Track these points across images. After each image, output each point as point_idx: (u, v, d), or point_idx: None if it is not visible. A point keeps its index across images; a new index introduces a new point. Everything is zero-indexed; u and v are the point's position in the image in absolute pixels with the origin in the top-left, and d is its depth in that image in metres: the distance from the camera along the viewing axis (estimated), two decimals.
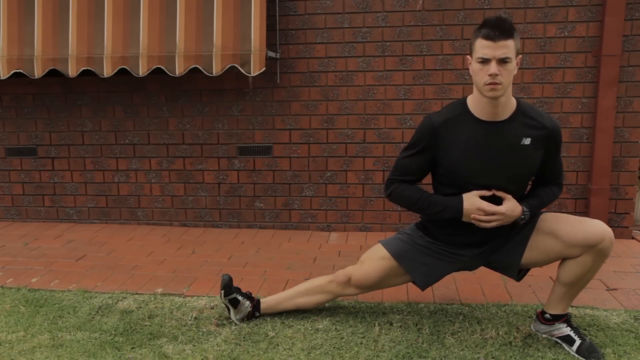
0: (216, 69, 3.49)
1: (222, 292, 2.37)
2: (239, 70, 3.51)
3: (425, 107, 3.69)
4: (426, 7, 3.60)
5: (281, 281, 2.92)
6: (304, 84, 3.77)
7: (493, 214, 2.03)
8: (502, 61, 1.91)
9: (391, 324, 2.39)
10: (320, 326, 2.38)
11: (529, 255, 2.17)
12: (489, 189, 2.07)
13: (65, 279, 3.00)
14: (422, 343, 2.22)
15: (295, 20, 3.71)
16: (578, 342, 2.12)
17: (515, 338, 2.23)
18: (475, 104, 2.05)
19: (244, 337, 2.29)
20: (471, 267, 2.34)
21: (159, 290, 2.82)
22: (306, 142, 3.83)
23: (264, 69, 3.49)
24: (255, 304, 2.43)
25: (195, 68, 3.52)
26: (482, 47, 1.91)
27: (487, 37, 1.90)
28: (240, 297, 2.41)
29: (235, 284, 2.85)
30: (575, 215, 3.71)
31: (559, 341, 2.19)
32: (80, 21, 3.60)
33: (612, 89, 3.48)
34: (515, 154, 2.03)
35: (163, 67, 3.53)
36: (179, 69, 3.51)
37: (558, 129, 2.08)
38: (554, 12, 3.52)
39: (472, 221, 2.07)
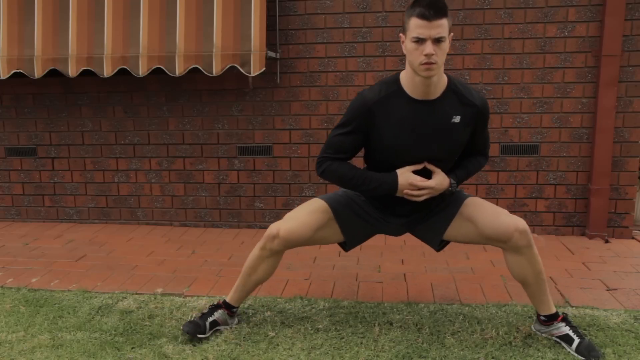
0: (216, 69, 3.49)
1: (200, 337, 2.27)
2: (239, 70, 3.51)
3: None
4: None
5: (281, 281, 2.92)
6: (304, 84, 3.77)
7: (424, 188, 2.09)
8: (437, 41, 1.89)
9: (391, 324, 2.38)
10: (320, 326, 2.38)
11: (450, 233, 2.24)
12: (420, 162, 2.12)
13: (65, 279, 3.00)
14: (422, 343, 2.22)
15: (295, 20, 3.71)
16: (577, 341, 2.12)
17: (515, 338, 2.23)
18: (408, 82, 2.05)
19: (244, 337, 2.29)
20: (396, 234, 2.38)
21: (159, 290, 2.82)
22: (306, 142, 3.83)
23: (264, 69, 3.49)
24: (224, 304, 2.36)
25: (195, 68, 3.52)
26: (417, 26, 1.89)
27: (422, 17, 1.87)
28: (211, 319, 2.31)
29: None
30: (575, 213, 3.71)
31: (559, 340, 2.19)
32: (80, 21, 3.60)
33: (612, 89, 3.48)
34: (446, 132, 2.07)
35: (163, 67, 3.53)
36: (179, 69, 3.51)
37: (486, 106, 2.12)
38: (554, 12, 3.52)
39: (405, 196, 2.11)
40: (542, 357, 2.10)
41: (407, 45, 1.96)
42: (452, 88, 2.07)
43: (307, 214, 2.22)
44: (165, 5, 3.53)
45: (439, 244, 2.32)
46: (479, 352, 2.14)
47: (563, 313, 2.23)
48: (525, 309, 2.52)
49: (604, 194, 3.59)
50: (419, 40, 1.90)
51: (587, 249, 3.41)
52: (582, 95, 3.58)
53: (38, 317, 2.51)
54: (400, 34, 2.03)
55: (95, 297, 2.72)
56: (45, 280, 2.98)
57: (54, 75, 3.74)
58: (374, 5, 3.64)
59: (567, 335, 2.16)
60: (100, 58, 3.58)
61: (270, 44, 3.69)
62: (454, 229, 2.22)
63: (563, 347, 2.16)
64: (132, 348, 2.22)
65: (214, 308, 2.35)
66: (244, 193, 3.95)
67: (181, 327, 2.28)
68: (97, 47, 3.59)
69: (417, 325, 2.37)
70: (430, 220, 2.26)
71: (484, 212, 2.14)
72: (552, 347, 2.16)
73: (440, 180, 2.11)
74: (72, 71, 3.61)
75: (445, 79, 2.07)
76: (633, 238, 3.65)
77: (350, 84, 3.73)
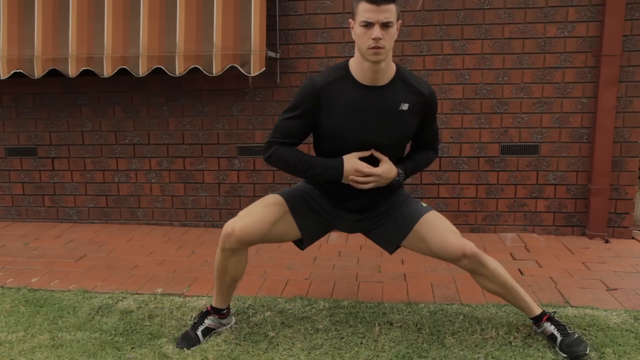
0: (216, 69, 3.49)
1: (197, 345, 2.25)
2: (239, 70, 3.51)
3: None
4: (426, 7, 3.60)
5: (281, 281, 2.92)
6: None
7: (370, 175, 2.08)
8: (385, 25, 1.93)
9: (391, 324, 2.38)
10: (320, 326, 2.38)
11: (405, 245, 2.25)
12: (367, 150, 2.11)
13: (65, 279, 3.00)
14: (422, 343, 2.22)
15: (295, 20, 3.71)
16: (559, 339, 2.13)
17: (515, 338, 2.23)
18: (357, 68, 2.08)
19: (244, 337, 2.29)
20: (350, 231, 2.36)
21: (159, 290, 2.83)
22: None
23: (264, 69, 3.49)
24: (212, 309, 2.33)
25: (195, 68, 3.52)
26: (366, 10, 1.92)
27: (370, 1, 1.91)
28: (202, 327, 2.29)
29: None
30: (575, 213, 3.70)
31: (550, 340, 2.20)
32: (80, 21, 3.60)
33: (612, 89, 3.48)
34: (393, 119, 2.09)
35: (163, 67, 3.53)
36: (179, 69, 3.51)
37: (434, 96, 2.15)
38: (554, 12, 3.52)
39: (350, 182, 2.10)
40: (542, 357, 2.10)
41: (356, 30, 1.99)
42: (401, 76, 2.10)
43: (262, 208, 2.18)
44: (165, 5, 3.53)
45: (394, 249, 2.34)
46: (479, 352, 2.14)
47: (549, 312, 2.24)
48: None
49: (604, 194, 3.58)
50: (368, 25, 1.93)
51: (587, 249, 3.41)
52: (582, 95, 3.58)
53: (38, 317, 2.51)
54: (349, 20, 2.05)
55: (95, 297, 2.72)
56: (45, 280, 2.98)
57: (54, 75, 3.74)
58: None
59: (552, 334, 2.17)
60: (100, 58, 3.58)
61: (270, 44, 3.69)
62: (408, 242, 2.24)
63: None
64: (132, 348, 2.22)
65: (203, 316, 2.32)
66: (244, 193, 3.95)
67: (176, 345, 2.24)
68: (97, 47, 3.59)
69: (417, 325, 2.37)
70: (386, 228, 2.25)
71: (435, 234, 2.15)
72: (552, 347, 2.16)
73: (387, 168, 2.10)
74: (72, 71, 3.61)
75: (393, 66, 2.10)
76: (633, 238, 3.65)
77: None
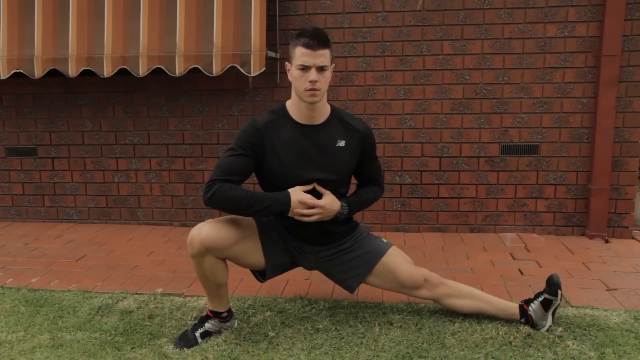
0: (216, 69, 3.49)
1: (194, 347, 2.25)
2: (239, 70, 3.51)
3: (425, 107, 3.69)
4: (426, 7, 3.60)
5: (281, 281, 2.92)
6: None
7: (313, 207, 2.13)
8: (321, 69, 2.05)
9: (391, 324, 2.38)
10: (320, 326, 2.38)
11: (370, 279, 2.35)
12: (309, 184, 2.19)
13: (65, 279, 3.00)
14: (422, 343, 2.22)
15: (295, 20, 3.71)
16: (545, 296, 2.26)
17: (515, 338, 2.23)
18: (294, 108, 2.18)
19: (244, 337, 2.29)
20: (310, 267, 2.40)
21: (159, 290, 2.83)
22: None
23: (264, 69, 3.49)
24: (212, 313, 2.32)
25: (195, 68, 3.52)
26: (303, 54, 2.03)
27: (307, 46, 2.02)
28: (202, 330, 2.29)
29: (235, 283, 2.86)
30: (575, 213, 3.70)
31: (547, 306, 2.26)
32: (80, 21, 3.60)
33: (612, 89, 3.48)
34: (331, 155, 2.18)
35: (163, 67, 3.53)
36: (179, 69, 3.51)
37: (370, 133, 2.27)
38: (554, 12, 3.52)
39: (295, 216, 2.15)
40: (542, 357, 2.10)
41: (293, 73, 2.09)
42: (336, 115, 2.21)
43: (231, 219, 2.21)
44: (165, 5, 3.53)
45: (357, 286, 2.38)
46: (479, 352, 2.14)
47: (521, 302, 2.33)
48: None
49: (604, 194, 3.59)
50: (304, 68, 2.04)
51: (587, 249, 3.41)
52: (582, 95, 3.58)
53: (38, 317, 2.52)
54: (286, 63, 2.16)
55: (95, 297, 2.72)
56: (45, 280, 2.98)
57: (54, 75, 3.74)
58: (374, 5, 3.64)
59: (543, 300, 2.27)
60: (100, 58, 3.58)
61: (270, 44, 3.69)
62: (374, 276, 2.33)
63: (561, 347, 2.16)
64: (132, 348, 2.22)
65: (203, 319, 2.32)
66: None
67: (174, 345, 2.24)
68: (97, 47, 3.59)
69: (417, 325, 2.37)
70: (349, 265, 2.33)
71: (401, 265, 2.30)
72: (551, 347, 2.16)
73: (329, 201, 2.17)
74: (72, 71, 3.61)
75: (328, 107, 2.22)
76: (633, 238, 3.65)
77: (350, 84, 3.73)
